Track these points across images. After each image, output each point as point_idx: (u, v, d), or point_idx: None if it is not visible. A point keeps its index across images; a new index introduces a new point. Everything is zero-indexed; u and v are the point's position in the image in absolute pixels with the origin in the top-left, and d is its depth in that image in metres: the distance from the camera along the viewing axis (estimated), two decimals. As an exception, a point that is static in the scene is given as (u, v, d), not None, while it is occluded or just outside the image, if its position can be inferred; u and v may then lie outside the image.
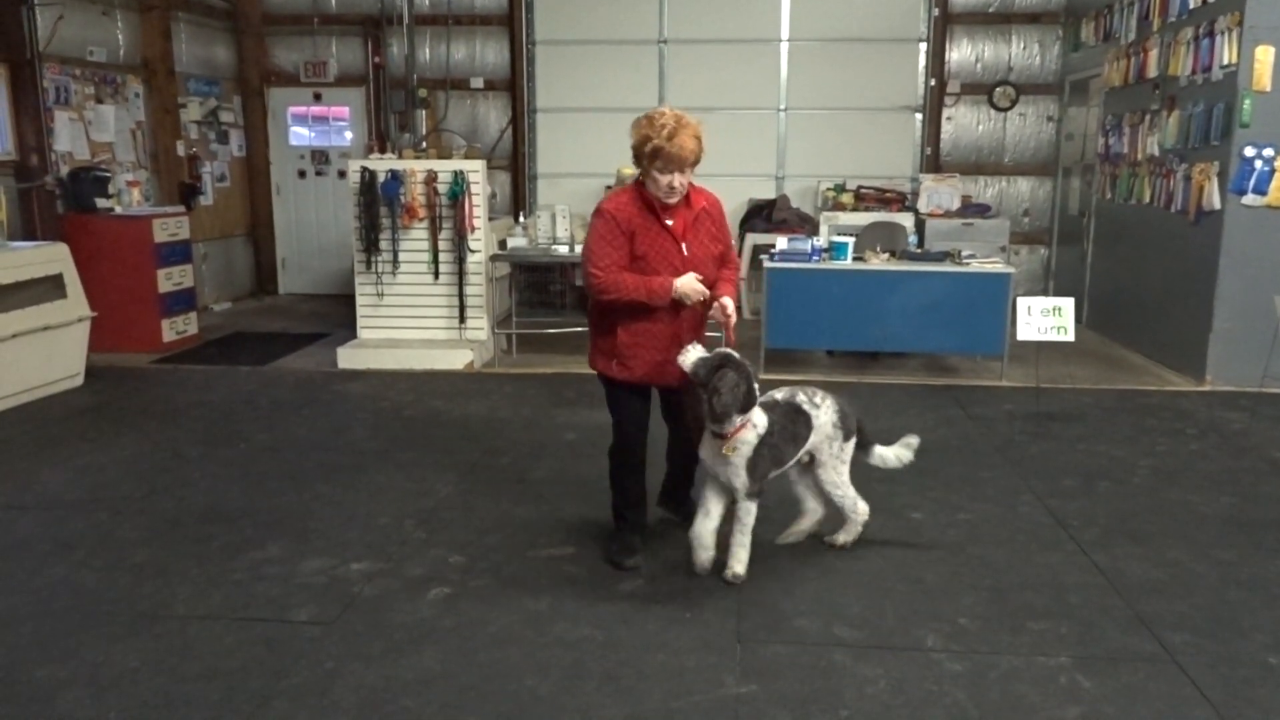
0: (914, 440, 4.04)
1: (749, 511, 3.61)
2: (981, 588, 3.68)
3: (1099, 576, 3.78)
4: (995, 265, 7.02)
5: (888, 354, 7.55)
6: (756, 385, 3.48)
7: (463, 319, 7.48)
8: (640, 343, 3.65)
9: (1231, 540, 4.14)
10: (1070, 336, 5.77)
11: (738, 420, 3.47)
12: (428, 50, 10.11)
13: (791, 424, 3.68)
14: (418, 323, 7.56)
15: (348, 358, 7.30)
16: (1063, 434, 5.65)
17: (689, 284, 3.56)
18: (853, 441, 3.89)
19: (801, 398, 3.77)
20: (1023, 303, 5.79)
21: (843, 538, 3.99)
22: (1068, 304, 5.80)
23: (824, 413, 3.78)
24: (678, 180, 3.51)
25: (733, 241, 3.96)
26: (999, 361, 7.06)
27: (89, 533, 4.15)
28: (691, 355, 3.48)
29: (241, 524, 4.25)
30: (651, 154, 3.47)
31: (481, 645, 3.25)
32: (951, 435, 5.62)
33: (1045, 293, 9.74)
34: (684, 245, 3.60)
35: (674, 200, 3.57)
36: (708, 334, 3.87)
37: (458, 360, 7.31)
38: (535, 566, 3.85)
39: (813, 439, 3.78)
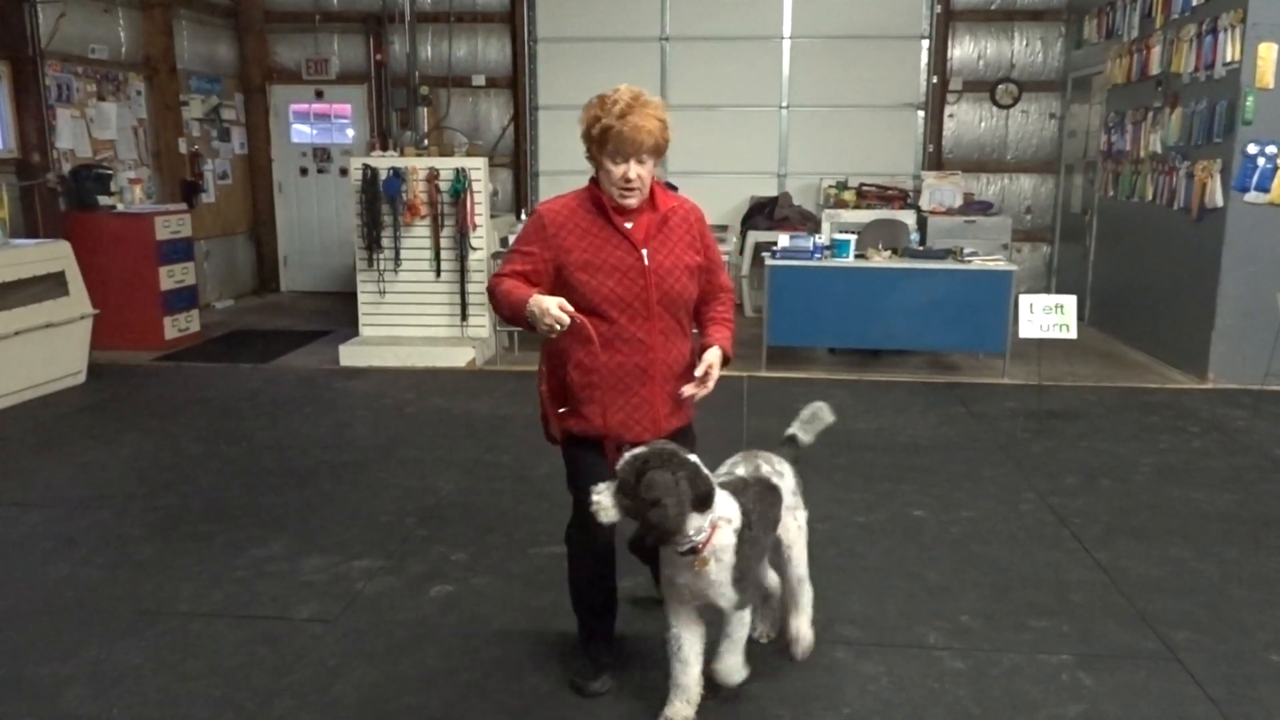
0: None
1: (742, 623, 2.76)
2: (983, 585, 3.68)
3: (1101, 574, 3.78)
4: (997, 263, 7.02)
5: (890, 351, 7.55)
6: (703, 470, 2.59)
7: (465, 316, 7.49)
8: (594, 382, 2.81)
9: (1234, 538, 4.14)
10: (1072, 334, 5.76)
11: (704, 525, 2.58)
12: (429, 47, 10.10)
13: (767, 506, 2.87)
14: (420, 320, 7.56)
15: (349, 355, 7.31)
16: (1065, 432, 5.64)
17: (540, 302, 2.68)
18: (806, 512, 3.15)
19: (766, 469, 2.96)
20: (1025, 300, 5.78)
21: (805, 634, 3.17)
22: (1070, 301, 5.79)
23: (786, 480, 3.02)
24: (634, 171, 2.76)
25: (725, 264, 3.12)
26: (1001, 359, 7.05)
27: (91, 530, 4.16)
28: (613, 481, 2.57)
29: (244, 521, 4.26)
30: (600, 137, 2.76)
31: (484, 643, 3.25)
32: (954, 433, 5.62)
33: (1047, 290, 9.71)
34: (645, 252, 2.81)
35: (631, 200, 2.81)
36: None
37: (460, 358, 7.31)
38: (537, 564, 3.84)
39: (784, 517, 3.02)
